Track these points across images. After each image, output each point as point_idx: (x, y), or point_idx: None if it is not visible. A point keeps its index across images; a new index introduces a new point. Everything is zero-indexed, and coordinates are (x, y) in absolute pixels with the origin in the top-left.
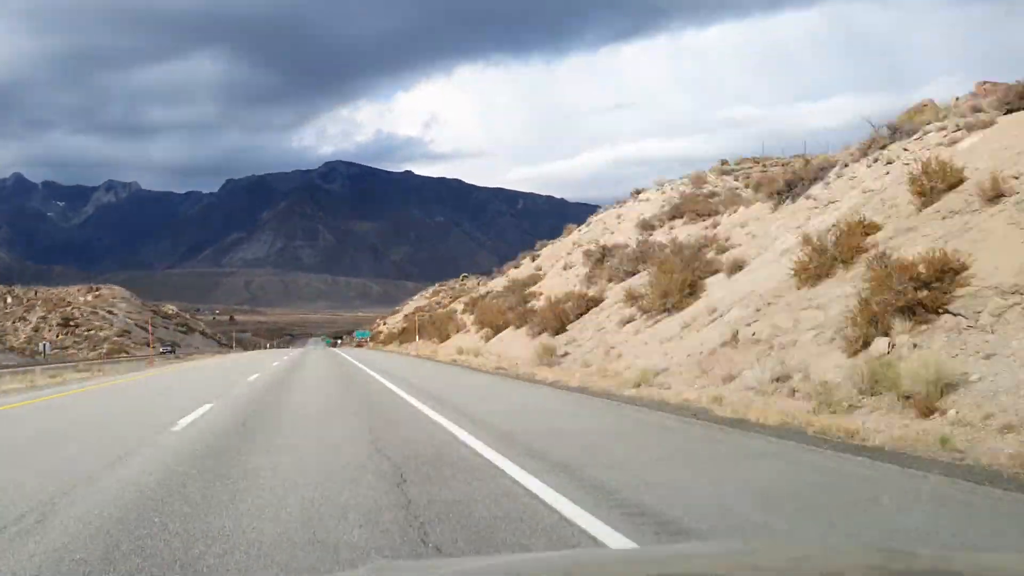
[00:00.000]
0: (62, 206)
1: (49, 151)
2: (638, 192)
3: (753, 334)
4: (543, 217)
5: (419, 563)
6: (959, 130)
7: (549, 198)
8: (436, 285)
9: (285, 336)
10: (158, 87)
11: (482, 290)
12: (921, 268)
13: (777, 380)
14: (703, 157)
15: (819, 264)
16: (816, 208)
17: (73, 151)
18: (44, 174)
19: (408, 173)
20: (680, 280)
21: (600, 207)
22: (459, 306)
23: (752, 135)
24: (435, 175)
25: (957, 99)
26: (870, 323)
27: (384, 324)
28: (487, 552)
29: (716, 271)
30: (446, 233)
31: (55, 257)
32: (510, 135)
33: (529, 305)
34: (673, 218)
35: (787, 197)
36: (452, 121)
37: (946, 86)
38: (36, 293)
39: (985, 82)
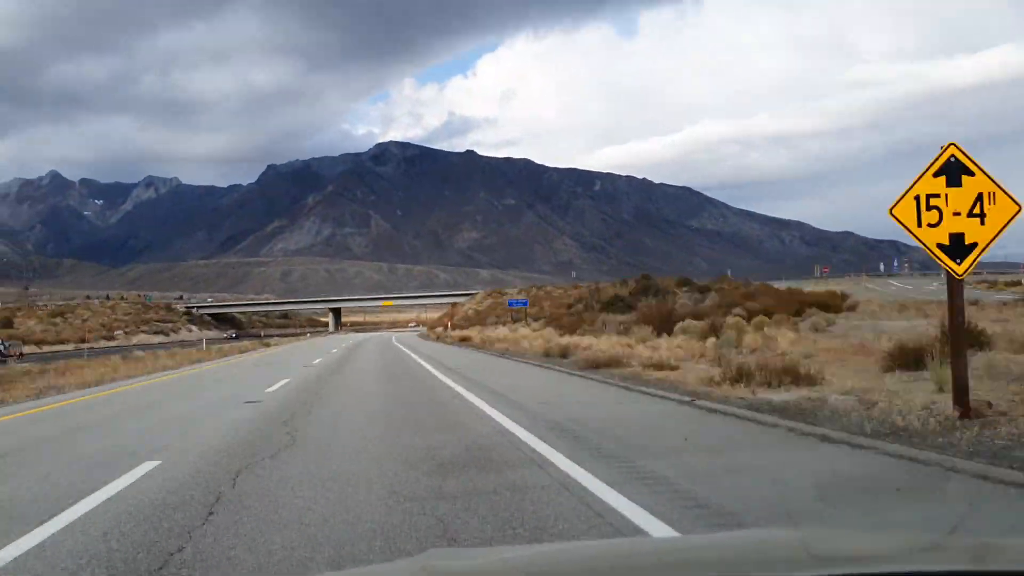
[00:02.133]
0: (100, 204)
1: (87, 147)
2: None
3: None
4: (624, 199)
5: (474, 551)
6: None
7: (630, 179)
8: None
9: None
10: (196, 57)
11: None
12: None
13: None
14: (811, 132)
15: None
16: None
17: (112, 146)
18: (82, 172)
19: (471, 153)
20: None
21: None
22: None
23: (884, 101)
24: (500, 155)
25: None
26: None
27: None
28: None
29: None
30: (517, 217)
31: (88, 255)
32: (586, 111)
33: None
34: None
35: None
36: (522, 96)
37: None
38: None
39: None
